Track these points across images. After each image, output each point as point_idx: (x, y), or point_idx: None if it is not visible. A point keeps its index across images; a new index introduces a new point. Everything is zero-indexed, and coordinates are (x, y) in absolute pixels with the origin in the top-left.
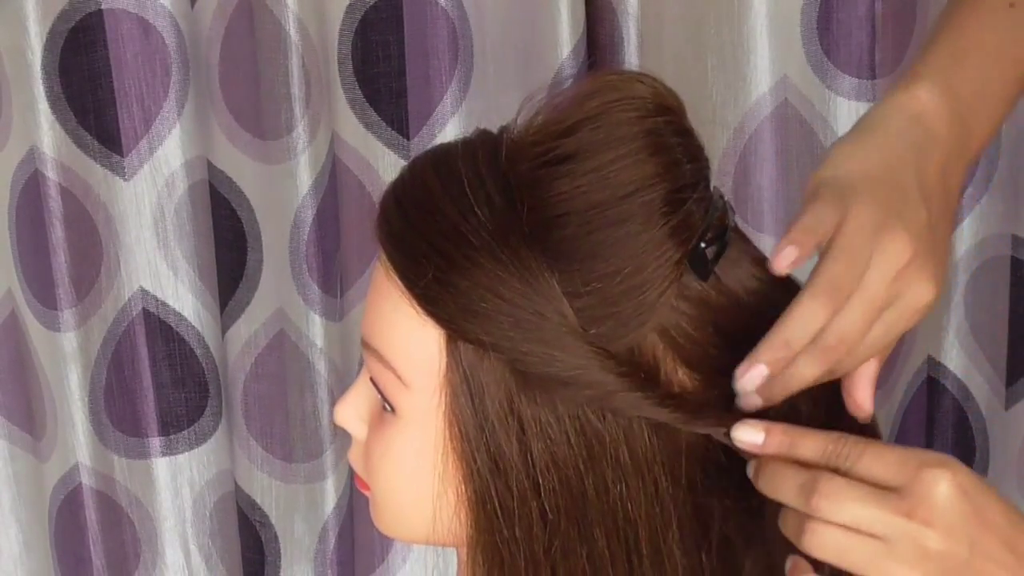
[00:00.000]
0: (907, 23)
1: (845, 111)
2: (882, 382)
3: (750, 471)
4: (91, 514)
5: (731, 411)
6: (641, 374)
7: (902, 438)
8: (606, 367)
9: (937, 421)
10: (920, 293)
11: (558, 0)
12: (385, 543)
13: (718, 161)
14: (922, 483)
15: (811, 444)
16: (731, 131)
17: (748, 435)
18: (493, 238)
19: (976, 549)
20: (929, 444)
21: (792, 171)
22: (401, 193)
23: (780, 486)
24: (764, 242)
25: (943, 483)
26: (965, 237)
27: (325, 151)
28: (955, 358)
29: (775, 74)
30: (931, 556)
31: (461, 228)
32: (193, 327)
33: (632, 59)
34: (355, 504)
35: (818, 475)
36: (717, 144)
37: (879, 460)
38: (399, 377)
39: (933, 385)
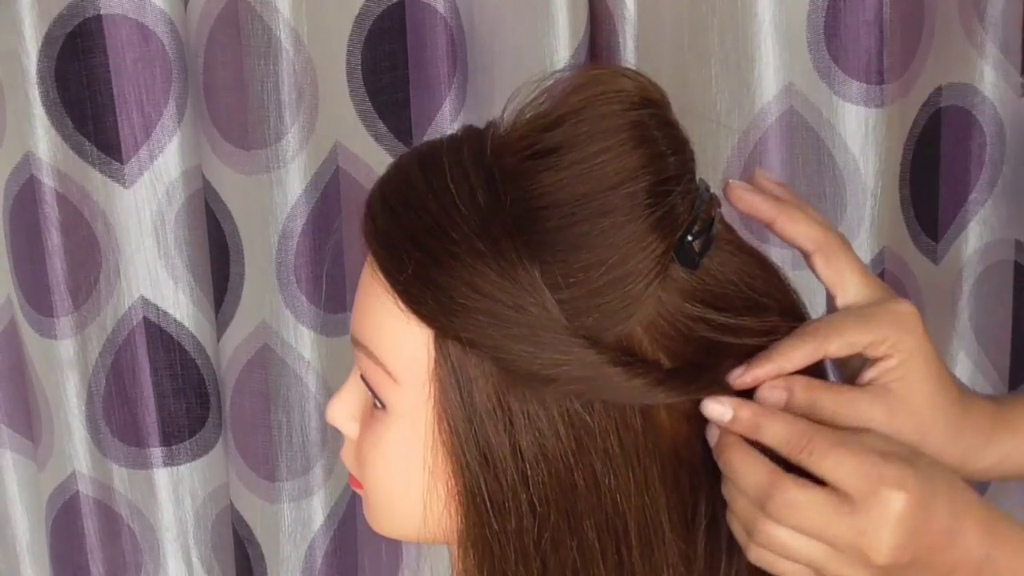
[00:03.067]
0: (915, 26)
1: (853, 116)
2: None
3: (711, 439)
4: (89, 523)
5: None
6: (626, 358)
7: None
8: (590, 357)
9: None
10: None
11: (558, 6)
12: (392, 563)
13: (723, 169)
14: (878, 502)
15: (777, 429)
16: (736, 139)
17: (716, 411)
18: (474, 231)
19: (916, 559)
20: None
21: (799, 178)
22: (387, 190)
23: (740, 478)
24: (770, 251)
25: (897, 505)
26: (969, 242)
27: (320, 159)
28: (960, 363)
29: (781, 81)
30: (874, 568)
31: (443, 222)
32: (194, 337)
33: (629, 65)
34: (359, 521)
35: (777, 481)
36: (722, 152)
37: (840, 466)
38: (389, 373)
39: None
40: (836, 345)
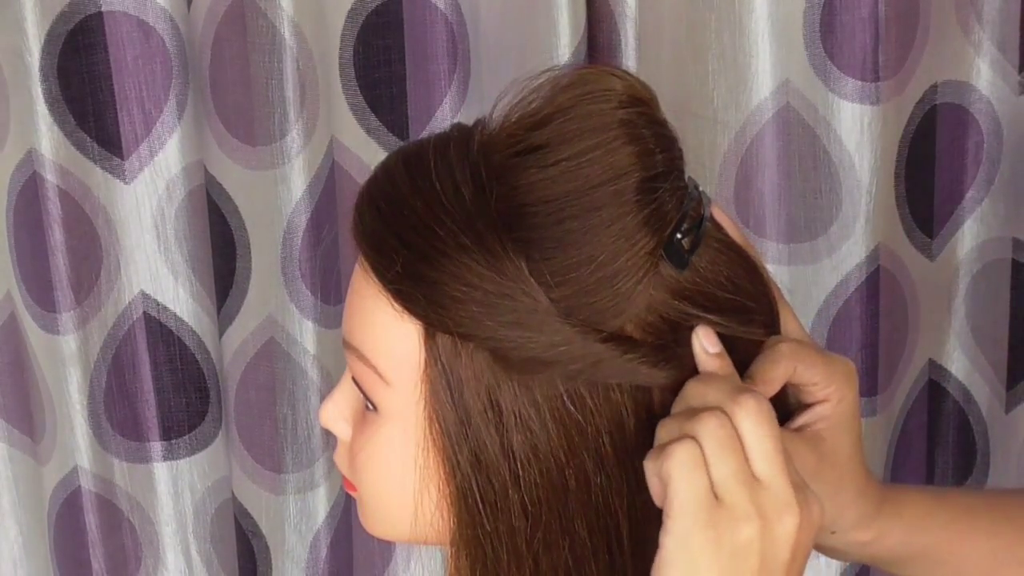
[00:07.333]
0: (911, 24)
1: (848, 114)
2: (883, 386)
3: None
4: (91, 518)
5: None
6: (625, 338)
7: (904, 441)
8: (589, 338)
9: (939, 424)
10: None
11: (558, 4)
12: (385, 553)
13: (719, 165)
14: (786, 506)
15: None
16: (732, 135)
17: (712, 339)
18: (459, 227)
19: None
20: (931, 447)
21: (794, 175)
22: (374, 189)
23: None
24: (766, 246)
25: (791, 522)
26: (966, 240)
27: (321, 156)
28: (956, 361)
29: (777, 77)
30: (737, 547)
31: (428, 219)
32: (195, 332)
33: (630, 62)
34: (353, 515)
35: (746, 389)
36: (718, 148)
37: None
38: (380, 375)
39: (934, 388)
40: (802, 368)
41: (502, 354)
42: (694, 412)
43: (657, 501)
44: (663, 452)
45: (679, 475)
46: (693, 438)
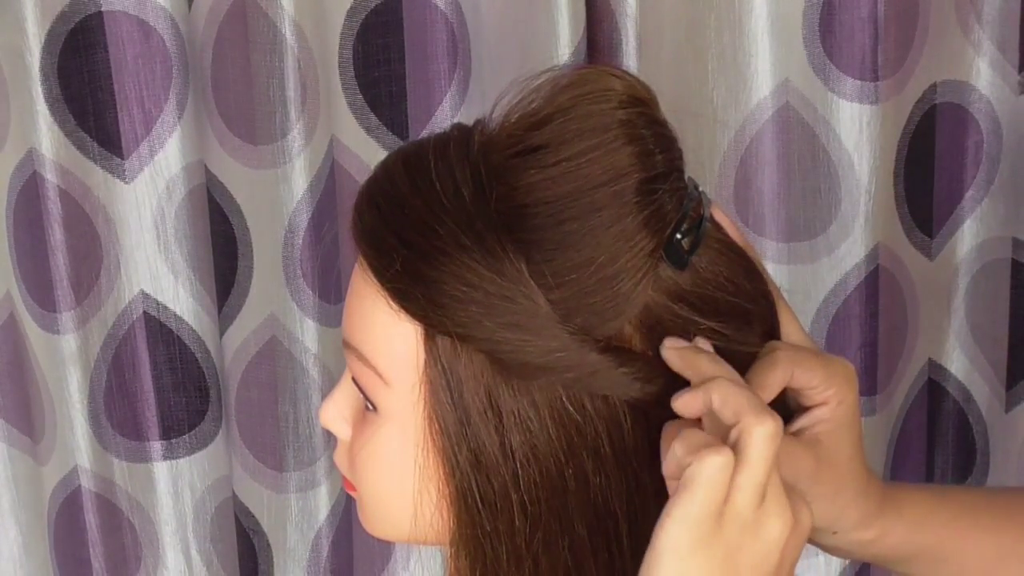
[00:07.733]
0: (910, 24)
1: (848, 113)
2: (883, 385)
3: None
4: (91, 517)
5: None
6: (621, 350)
7: (904, 441)
8: (580, 346)
9: (938, 424)
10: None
11: (558, 3)
12: (385, 552)
13: (719, 165)
14: (779, 514)
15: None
16: (732, 134)
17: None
18: (458, 226)
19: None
20: (931, 446)
21: (794, 174)
22: (373, 189)
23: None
24: (765, 245)
25: (783, 530)
26: (966, 240)
27: (322, 155)
28: (956, 360)
29: (776, 77)
30: (730, 552)
31: (428, 219)
32: (194, 332)
33: (631, 61)
34: (354, 514)
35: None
36: (718, 147)
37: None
38: (380, 375)
39: (934, 387)
40: (799, 372)
41: (497, 356)
42: (750, 408)
43: (666, 474)
44: (697, 454)
45: (702, 484)
46: (731, 449)
